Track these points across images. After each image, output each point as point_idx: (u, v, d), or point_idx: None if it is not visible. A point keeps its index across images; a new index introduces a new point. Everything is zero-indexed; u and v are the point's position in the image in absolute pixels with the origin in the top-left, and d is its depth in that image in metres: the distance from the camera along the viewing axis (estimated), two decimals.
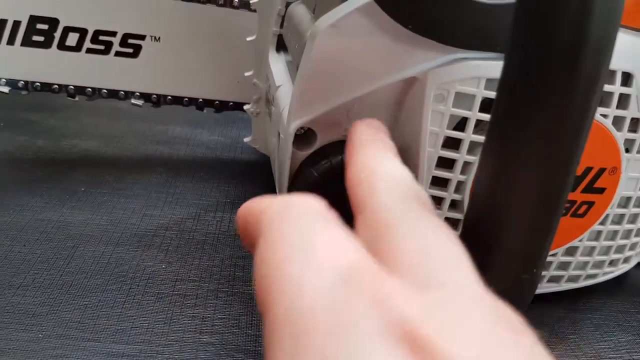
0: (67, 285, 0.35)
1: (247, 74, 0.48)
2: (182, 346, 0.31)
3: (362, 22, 0.30)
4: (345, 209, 0.32)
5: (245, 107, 0.51)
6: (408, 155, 0.33)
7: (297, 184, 0.33)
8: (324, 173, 0.32)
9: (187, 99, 0.51)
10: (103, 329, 0.32)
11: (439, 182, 0.33)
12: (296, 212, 0.18)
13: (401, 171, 0.22)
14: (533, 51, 0.20)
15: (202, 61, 0.50)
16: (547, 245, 0.23)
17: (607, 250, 0.37)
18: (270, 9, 0.45)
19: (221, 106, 0.52)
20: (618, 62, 0.31)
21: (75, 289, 0.35)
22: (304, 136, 0.34)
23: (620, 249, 0.38)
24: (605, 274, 0.39)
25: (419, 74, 0.31)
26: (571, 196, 0.33)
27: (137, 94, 0.50)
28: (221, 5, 0.48)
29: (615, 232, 0.36)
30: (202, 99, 0.51)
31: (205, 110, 0.52)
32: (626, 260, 0.39)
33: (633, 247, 0.38)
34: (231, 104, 0.52)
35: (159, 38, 0.48)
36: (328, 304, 0.14)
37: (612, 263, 0.38)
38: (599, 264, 0.38)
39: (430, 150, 0.32)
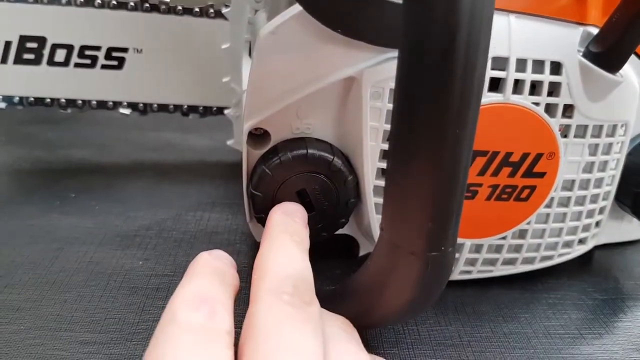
0: (49, 283, 0.38)
1: (224, 79, 0.51)
2: (150, 333, 0.33)
3: (298, 28, 0.32)
4: (303, 202, 0.34)
5: (226, 111, 0.54)
6: (354, 149, 0.35)
7: (252, 181, 0.35)
8: (274, 169, 0.34)
9: (172, 106, 0.54)
10: (79, 321, 0.35)
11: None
12: (171, 327, 0.23)
13: (292, 270, 0.27)
14: (411, 49, 0.22)
15: (184, 69, 0.52)
16: (451, 225, 0.25)
17: (558, 232, 0.39)
18: (241, 18, 0.48)
19: (205, 111, 0.55)
20: (546, 52, 0.33)
21: (57, 286, 0.38)
22: (261, 136, 0.36)
23: (572, 231, 0.39)
24: (561, 255, 0.40)
25: (356, 73, 0.33)
26: (511, 181, 0.35)
27: (125, 103, 0.53)
28: (197, 16, 0.51)
29: (564, 214, 0.38)
30: (187, 105, 0.54)
31: (190, 116, 0.54)
32: (582, 241, 0.41)
33: (587, 228, 0.40)
34: (214, 109, 0.55)
35: (141, 50, 0.51)
36: None
37: (567, 244, 0.40)
38: (552, 246, 0.39)
39: (372, 144, 0.34)
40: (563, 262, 0.41)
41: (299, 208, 0.33)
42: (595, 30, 0.34)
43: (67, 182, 0.51)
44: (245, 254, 0.42)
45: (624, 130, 0.37)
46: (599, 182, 0.38)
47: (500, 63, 0.33)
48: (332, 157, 0.34)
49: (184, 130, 0.62)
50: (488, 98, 0.33)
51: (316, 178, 0.35)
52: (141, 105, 0.53)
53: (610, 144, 0.37)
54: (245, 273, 0.38)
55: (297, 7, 0.31)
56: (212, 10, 0.51)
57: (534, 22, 0.34)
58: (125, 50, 0.51)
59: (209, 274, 0.27)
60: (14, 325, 0.34)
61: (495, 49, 0.33)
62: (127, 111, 0.53)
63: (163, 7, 0.50)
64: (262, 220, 0.36)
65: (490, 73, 0.33)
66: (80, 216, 0.46)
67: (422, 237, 0.25)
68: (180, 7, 0.50)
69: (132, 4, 0.50)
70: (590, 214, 0.39)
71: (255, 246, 0.42)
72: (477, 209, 0.36)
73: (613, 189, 0.39)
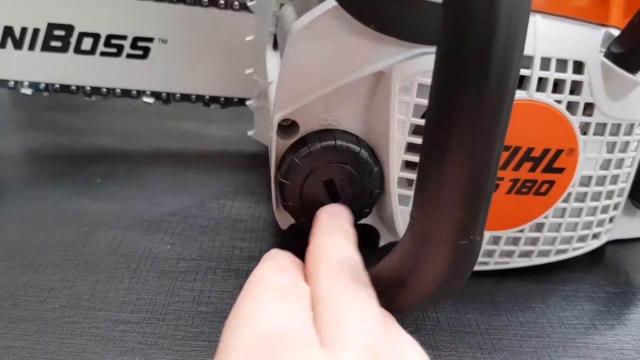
0: (81, 264, 0.39)
1: (247, 71, 0.52)
2: (180, 314, 0.35)
3: (331, 23, 0.33)
4: (329, 192, 0.35)
5: (247, 102, 0.55)
6: (380, 141, 0.37)
7: (281, 170, 0.37)
8: (303, 159, 0.36)
9: (194, 96, 0.55)
10: (111, 301, 0.36)
11: (410, 165, 0.36)
12: (260, 285, 0.26)
13: (345, 255, 0.29)
14: (451, 46, 0.23)
15: (207, 60, 0.53)
16: (481, 215, 0.27)
17: (574, 227, 0.40)
18: (266, 11, 0.49)
19: (226, 102, 0.56)
20: (570, 51, 0.34)
21: (89, 267, 0.39)
22: (289, 127, 0.37)
23: (587, 225, 0.40)
24: (575, 249, 0.41)
25: (386, 68, 0.34)
26: (532, 176, 0.36)
27: (148, 92, 0.54)
28: (222, 8, 0.52)
29: (580, 209, 0.39)
30: (209, 95, 0.55)
31: (212, 106, 0.56)
32: (595, 236, 0.42)
33: (601, 223, 0.41)
34: (235, 99, 0.56)
35: (166, 40, 0.52)
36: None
37: (581, 239, 0.41)
38: (567, 240, 0.40)
39: (399, 137, 0.35)
40: (576, 256, 0.42)
41: (345, 210, 0.35)
42: (616, 32, 0.36)
43: (92, 168, 0.52)
44: (269, 242, 0.43)
45: None
46: (614, 179, 0.39)
47: (526, 61, 0.34)
48: (359, 149, 0.36)
49: (204, 120, 0.63)
50: None
51: (343, 169, 0.36)
52: (164, 94, 0.54)
53: (628, 142, 0.38)
54: None
55: (331, 2, 0.32)
56: (237, 3, 0.52)
57: (559, 22, 0.35)
58: (150, 40, 0.52)
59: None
60: (49, 304, 0.35)
61: None
62: (150, 100, 0.54)
63: None
64: (288, 209, 0.37)
65: None
66: (107, 201, 0.47)
67: (453, 226, 0.26)
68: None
69: None
70: (605, 209, 0.40)
71: (279, 233, 0.44)
72: (498, 202, 0.37)
73: (628, 185, 0.41)
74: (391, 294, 0.31)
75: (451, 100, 0.24)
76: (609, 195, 0.40)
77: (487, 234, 0.38)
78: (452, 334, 0.35)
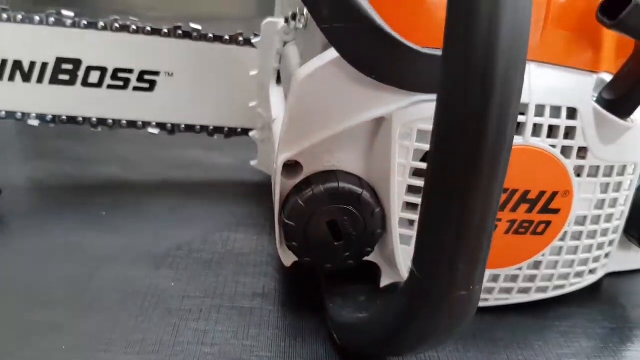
0: (88, 301, 0.40)
1: (251, 104, 0.53)
2: (185, 356, 0.36)
3: (334, 73, 0.34)
4: (333, 232, 0.36)
5: (251, 133, 0.56)
6: (381, 183, 0.37)
7: (285, 211, 0.37)
8: (307, 201, 0.36)
9: (199, 127, 0.56)
10: (116, 341, 0.37)
11: (411, 206, 0.37)
12: None
13: None
14: (450, 99, 0.24)
15: (212, 93, 0.55)
16: (480, 266, 0.28)
17: (570, 264, 0.41)
18: (270, 47, 0.50)
19: (230, 132, 0.57)
20: (563, 98, 0.36)
21: (95, 304, 0.40)
22: (293, 167, 0.38)
23: (583, 262, 0.41)
24: (572, 284, 0.42)
25: (387, 114, 0.35)
26: (528, 217, 0.37)
27: (154, 123, 0.55)
28: (227, 43, 0.53)
29: (576, 247, 0.40)
30: (213, 126, 0.56)
31: (215, 137, 0.57)
32: (592, 271, 0.43)
33: (597, 259, 0.42)
34: (239, 130, 0.57)
35: (173, 73, 0.54)
36: None
37: (578, 275, 0.42)
38: (564, 276, 0.41)
39: (399, 179, 0.36)
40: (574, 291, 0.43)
41: None
42: (608, 77, 0.37)
43: (97, 199, 0.53)
44: (273, 277, 0.44)
45: (633, 170, 0.39)
46: (609, 218, 0.40)
47: (521, 108, 0.35)
48: (361, 191, 0.37)
49: (208, 148, 0.64)
50: None
51: (346, 210, 0.37)
52: (169, 125, 0.55)
53: (620, 183, 0.39)
54: (273, 297, 0.41)
55: (334, 53, 0.33)
56: (241, 39, 0.53)
57: (552, 70, 0.36)
58: (157, 73, 0.53)
59: None
60: (56, 344, 0.36)
61: None
62: (155, 131, 0.55)
63: (195, 34, 0.52)
64: (292, 248, 0.38)
65: None
66: (112, 234, 0.48)
67: (453, 277, 0.27)
68: (211, 35, 0.53)
69: (165, 30, 0.52)
70: (600, 246, 0.41)
71: (282, 269, 0.44)
72: (496, 242, 0.37)
73: (622, 223, 0.42)
74: (389, 338, 0.32)
75: (448, 154, 0.25)
76: (604, 232, 0.41)
77: (487, 272, 0.39)
78: None
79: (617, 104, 0.36)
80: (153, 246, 0.47)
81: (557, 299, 0.42)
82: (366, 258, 0.41)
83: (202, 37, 0.52)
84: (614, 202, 0.40)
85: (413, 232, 0.37)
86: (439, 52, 0.25)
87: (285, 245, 0.39)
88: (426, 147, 0.35)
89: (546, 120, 0.35)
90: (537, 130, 0.36)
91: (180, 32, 0.52)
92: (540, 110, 0.35)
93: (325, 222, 0.37)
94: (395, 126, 0.35)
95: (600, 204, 0.39)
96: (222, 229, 0.50)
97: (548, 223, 0.38)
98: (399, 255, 0.38)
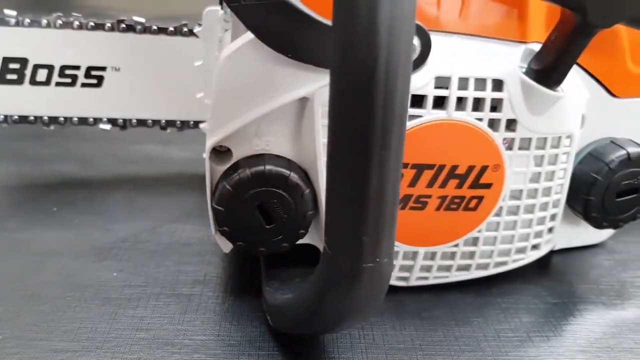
0: (29, 295, 0.40)
1: (198, 95, 0.53)
2: (119, 342, 0.36)
3: (252, 53, 0.34)
4: (263, 215, 0.36)
5: (201, 125, 0.56)
6: (311, 164, 0.37)
7: (215, 196, 0.37)
8: (234, 185, 0.36)
9: (150, 121, 0.56)
10: (54, 330, 0.37)
11: None
12: None
13: None
14: (336, 74, 0.24)
15: (160, 86, 0.55)
16: (384, 238, 0.27)
17: (510, 239, 0.41)
18: (212, 36, 0.50)
19: (183, 125, 0.57)
20: (488, 70, 0.35)
21: (36, 298, 0.40)
22: (224, 153, 0.38)
23: (524, 237, 0.41)
24: (515, 261, 0.42)
25: (308, 94, 0.35)
26: (459, 192, 0.37)
27: (105, 119, 0.55)
28: (172, 34, 0.53)
29: (514, 222, 0.40)
30: (165, 120, 0.56)
31: (168, 130, 0.57)
32: (535, 247, 0.42)
33: (539, 234, 0.42)
34: (191, 123, 0.57)
35: (119, 68, 0.54)
36: None
37: (520, 250, 0.42)
38: (505, 252, 0.41)
39: (325, 159, 0.36)
40: (520, 267, 0.42)
41: None
42: (538, 47, 0.36)
43: (50, 196, 0.53)
44: (216, 265, 0.44)
45: (569, 142, 0.39)
46: (547, 191, 0.40)
47: (444, 82, 0.35)
48: (289, 173, 0.36)
49: (164, 143, 0.64)
50: (432, 115, 0.35)
51: (274, 192, 0.37)
52: (120, 120, 0.55)
53: (556, 155, 0.39)
54: (214, 283, 0.41)
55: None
56: (185, 29, 0.53)
57: (476, 42, 0.36)
58: (103, 69, 0.53)
59: None
60: None
61: (438, 68, 0.35)
62: (107, 127, 0.55)
63: (139, 27, 0.52)
64: (224, 234, 0.38)
65: (434, 92, 0.35)
66: (61, 229, 0.48)
67: (357, 249, 0.27)
68: (155, 27, 0.53)
69: (109, 24, 0.52)
70: (541, 221, 0.41)
71: (226, 256, 0.44)
72: (428, 219, 0.38)
73: (563, 197, 0.41)
74: (308, 317, 0.32)
75: (340, 129, 0.25)
76: (544, 207, 0.40)
77: (422, 250, 0.39)
78: (385, 351, 0.36)
79: (545, 73, 0.36)
80: (99, 239, 0.47)
81: (502, 275, 0.42)
82: (302, 240, 0.40)
83: (146, 29, 0.52)
84: (551, 175, 0.40)
85: None
86: None
87: (218, 231, 0.38)
88: None
89: (470, 93, 0.35)
90: (461, 103, 0.35)
91: (123, 25, 0.52)
92: (463, 83, 0.35)
93: (255, 206, 0.37)
94: (317, 105, 0.35)
95: (536, 177, 0.39)
96: (171, 220, 0.50)
97: (480, 198, 0.38)
98: None
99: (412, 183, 0.36)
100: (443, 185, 0.37)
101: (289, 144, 0.38)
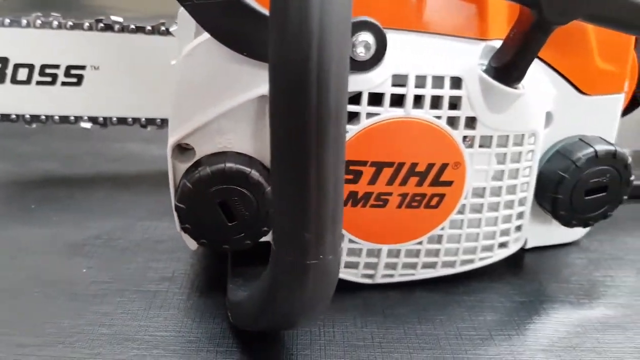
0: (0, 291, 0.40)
1: None
2: (80, 337, 0.36)
3: (209, 52, 0.34)
4: (226, 213, 0.36)
5: None
6: None
7: (177, 194, 0.38)
8: (194, 183, 0.37)
9: (130, 119, 0.56)
10: (19, 325, 0.37)
11: None
12: None
13: None
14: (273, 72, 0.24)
15: (139, 84, 0.55)
16: (327, 235, 0.27)
17: (475, 237, 0.40)
18: (187, 35, 0.50)
19: (163, 123, 0.57)
20: (446, 68, 0.35)
21: (7, 293, 0.40)
22: (189, 151, 0.38)
23: (490, 235, 0.41)
24: (482, 259, 0.42)
25: (266, 91, 0.35)
26: (420, 190, 0.37)
27: (85, 117, 0.55)
28: (150, 33, 0.53)
29: (479, 220, 0.40)
30: (145, 118, 0.56)
31: (149, 128, 0.57)
32: (503, 245, 0.42)
33: (506, 232, 0.42)
34: None
35: (99, 67, 0.54)
36: None
37: (487, 248, 0.41)
38: (471, 250, 0.41)
39: None
40: (490, 265, 0.42)
41: None
42: (499, 44, 0.36)
43: (31, 194, 0.54)
44: (185, 262, 0.44)
45: (533, 140, 0.39)
46: (512, 189, 0.40)
47: (402, 80, 0.35)
48: (249, 170, 0.36)
49: (147, 141, 0.64)
50: (390, 113, 0.35)
51: (235, 190, 0.37)
52: (101, 119, 0.56)
53: (520, 153, 0.39)
54: (181, 280, 0.41)
55: None
56: (163, 28, 0.53)
57: (434, 40, 0.36)
58: (83, 67, 0.54)
59: None
60: None
61: (395, 66, 0.35)
62: (87, 125, 0.56)
63: (117, 26, 0.53)
64: (187, 231, 0.38)
65: (391, 90, 0.35)
66: (38, 226, 0.49)
67: (300, 247, 0.27)
68: (133, 26, 0.53)
69: (87, 24, 0.52)
70: (507, 219, 0.41)
71: (195, 253, 0.44)
72: (390, 216, 0.38)
73: (530, 195, 0.41)
74: (261, 314, 0.32)
75: (278, 128, 0.26)
76: (509, 205, 0.40)
77: (386, 247, 0.39)
78: (344, 348, 0.36)
79: (504, 71, 0.36)
80: (73, 236, 0.47)
81: (470, 273, 0.42)
82: (267, 238, 0.41)
83: (124, 28, 0.53)
84: (515, 173, 0.39)
85: None
86: None
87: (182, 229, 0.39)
88: None
89: (428, 91, 0.35)
90: (419, 101, 0.35)
91: (102, 25, 0.52)
92: (421, 81, 0.35)
93: (217, 204, 0.37)
94: None
95: (499, 175, 0.39)
96: (146, 218, 0.50)
97: (442, 196, 0.38)
98: None
99: (372, 181, 0.36)
100: (403, 182, 0.37)
101: (251, 141, 0.38)
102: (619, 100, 0.43)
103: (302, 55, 0.24)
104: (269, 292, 0.31)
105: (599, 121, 0.43)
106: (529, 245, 0.45)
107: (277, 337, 0.37)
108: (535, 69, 0.39)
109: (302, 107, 0.24)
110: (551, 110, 0.41)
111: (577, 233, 0.47)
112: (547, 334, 0.38)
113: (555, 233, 0.46)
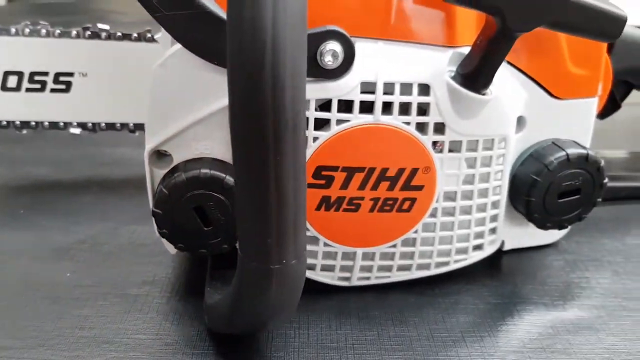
0: None
1: None
2: (60, 340, 0.37)
3: (182, 60, 0.35)
4: (202, 218, 0.37)
5: None
6: None
7: (154, 200, 0.38)
8: (170, 188, 0.37)
9: (119, 125, 0.57)
10: (2, 328, 0.38)
11: None
12: None
13: None
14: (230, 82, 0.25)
15: (126, 91, 0.55)
16: (289, 240, 0.28)
17: (449, 240, 0.41)
18: (170, 42, 0.51)
19: None
20: (414, 75, 0.36)
21: None
22: (167, 156, 0.39)
23: (463, 238, 0.41)
24: (457, 261, 0.42)
25: None
26: (391, 194, 0.38)
27: (74, 123, 0.57)
28: (136, 40, 0.54)
29: (452, 223, 0.40)
30: (132, 123, 0.57)
31: (137, 133, 0.58)
32: (478, 247, 0.43)
33: (480, 235, 0.42)
34: None
35: (86, 74, 0.55)
36: None
37: (461, 251, 0.42)
38: (445, 253, 0.42)
39: None
40: (467, 267, 0.43)
41: None
42: (467, 51, 0.37)
43: (20, 199, 0.55)
44: (167, 265, 0.45)
45: (504, 144, 0.39)
46: (483, 193, 0.40)
47: (369, 87, 0.36)
48: (224, 176, 0.37)
49: (136, 146, 0.65)
50: (360, 119, 0.36)
51: (210, 195, 0.37)
52: (90, 124, 0.57)
53: (490, 157, 0.39)
54: (162, 283, 0.42)
55: None
56: (149, 35, 0.54)
57: (402, 47, 0.36)
58: (71, 74, 0.55)
59: None
60: None
61: (364, 74, 0.35)
62: (77, 131, 0.57)
63: (104, 33, 0.54)
64: (164, 236, 0.39)
65: (360, 97, 0.36)
66: (25, 231, 0.50)
67: (262, 252, 0.28)
68: (119, 33, 0.54)
69: (75, 32, 0.53)
70: (480, 222, 0.41)
71: (177, 257, 0.45)
72: (363, 220, 0.39)
73: (502, 198, 0.42)
74: (231, 317, 0.33)
75: (237, 135, 0.26)
76: (482, 208, 0.41)
77: (360, 251, 0.40)
78: (317, 350, 0.37)
79: (471, 77, 0.36)
80: (60, 241, 0.48)
81: (446, 276, 0.43)
82: None
83: (111, 36, 0.54)
84: (486, 177, 0.40)
85: None
86: None
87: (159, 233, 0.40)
88: None
89: (396, 98, 0.36)
90: (388, 108, 0.36)
91: (89, 32, 0.54)
92: (389, 88, 0.36)
93: (192, 209, 0.38)
94: None
95: (471, 179, 0.39)
96: (132, 222, 0.51)
97: (413, 200, 0.38)
98: None
99: (344, 186, 0.37)
100: (375, 187, 0.37)
101: (226, 147, 0.38)
102: (593, 104, 0.44)
103: (255, 66, 0.25)
104: (236, 296, 0.31)
105: (573, 125, 0.43)
106: (506, 248, 0.46)
107: (252, 339, 0.38)
108: (506, 74, 0.40)
109: (256, 116, 0.25)
110: (524, 114, 0.41)
111: (554, 235, 0.48)
112: (519, 335, 0.39)
113: (532, 235, 0.47)
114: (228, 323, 0.34)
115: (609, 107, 0.54)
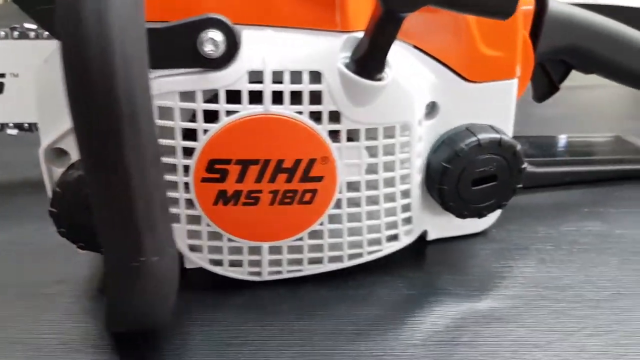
0: None
1: None
2: None
3: None
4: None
5: None
6: None
7: (51, 199, 0.38)
8: (64, 187, 0.37)
9: None
10: None
11: None
12: None
13: None
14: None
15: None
16: (146, 238, 0.28)
17: (358, 231, 0.40)
18: None
19: None
20: (303, 62, 0.35)
21: None
22: (65, 155, 0.39)
23: (374, 229, 0.40)
24: (371, 252, 0.41)
25: None
26: (290, 186, 0.37)
27: (10, 124, 0.56)
28: None
29: (359, 214, 0.39)
30: None
31: None
32: (394, 237, 0.42)
33: (393, 225, 0.41)
34: None
35: (18, 74, 0.55)
36: None
37: (374, 242, 0.41)
38: (357, 244, 0.41)
39: None
40: (387, 258, 0.42)
41: None
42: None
43: None
44: (82, 265, 0.44)
45: (408, 132, 0.38)
46: (390, 182, 0.39)
47: (257, 76, 0.35)
48: None
49: None
50: (249, 110, 0.35)
51: None
52: (26, 125, 0.56)
53: (393, 145, 0.38)
54: (75, 283, 0.41)
55: None
56: None
57: (290, 34, 0.35)
58: (2, 75, 0.55)
59: None
60: None
61: (251, 63, 0.34)
62: (14, 132, 0.56)
63: (32, 33, 0.53)
64: (63, 235, 0.38)
65: (248, 86, 0.35)
66: None
67: (118, 250, 0.28)
68: (47, 33, 0.54)
69: (2, 33, 0.53)
70: (391, 212, 0.40)
71: (95, 257, 0.45)
72: (264, 214, 0.38)
73: (413, 186, 0.40)
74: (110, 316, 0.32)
75: (76, 131, 0.26)
76: (390, 197, 0.40)
77: (266, 245, 0.39)
78: (216, 346, 0.36)
79: (362, 63, 0.35)
80: None
81: (364, 267, 0.42)
82: None
83: (39, 35, 0.53)
84: (391, 166, 0.39)
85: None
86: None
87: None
88: (167, 123, 0.35)
89: (286, 87, 0.35)
90: (279, 97, 0.35)
91: (16, 33, 0.53)
92: (278, 76, 0.35)
93: (88, 207, 0.37)
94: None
95: (374, 168, 0.38)
96: None
97: (314, 191, 0.37)
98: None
99: (240, 179, 0.36)
100: (272, 180, 0.36)
101: None
102: (512, 86, 0.42)
103: (82, 58, 0.24)
104: (107, 294, 0.31)
105: (490, 109, 0.42)
106: (430, 237, 0.45)
107: (153, 337, 0.37)
108: (410, 58, 0.39)
109: (89, 110, 0.25)
110: (436, 100, 0.40)
111: (483, 223, 0.47)
112: (425, 327, 0.37)
113: (458, 224, 0.45)
114: (109, 321, 0.34)
115: (546, 90, 0.52)
